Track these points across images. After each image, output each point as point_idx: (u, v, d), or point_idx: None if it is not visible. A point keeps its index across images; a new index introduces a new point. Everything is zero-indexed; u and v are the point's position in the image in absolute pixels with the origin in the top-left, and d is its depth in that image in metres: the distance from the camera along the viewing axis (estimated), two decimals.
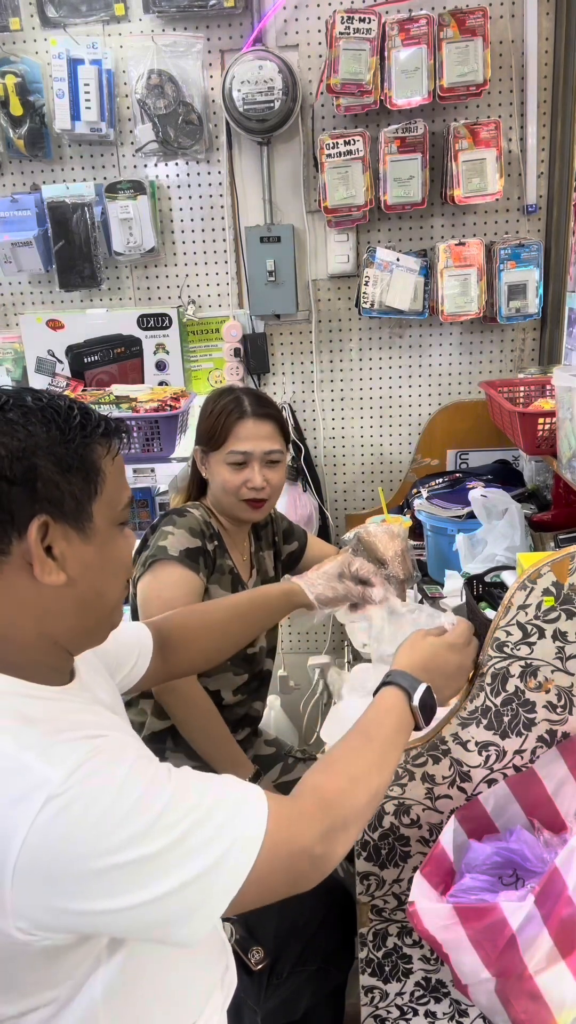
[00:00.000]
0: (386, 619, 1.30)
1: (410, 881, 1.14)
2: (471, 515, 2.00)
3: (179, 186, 2.38)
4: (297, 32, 2.24)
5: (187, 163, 2.36)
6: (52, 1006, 0.83)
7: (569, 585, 1.05)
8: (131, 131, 2.31)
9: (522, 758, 1.14)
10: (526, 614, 1.07)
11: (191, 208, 2.40)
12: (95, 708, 0.90)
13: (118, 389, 2.35)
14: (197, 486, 1.78)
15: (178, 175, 2.37)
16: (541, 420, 1.80)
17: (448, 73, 2.10)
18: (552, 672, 1.09)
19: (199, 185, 2.38)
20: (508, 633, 1.08)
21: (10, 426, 0.80)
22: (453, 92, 2.12)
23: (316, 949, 1.48)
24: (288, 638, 2.74)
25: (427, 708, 1.02)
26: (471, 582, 1.70)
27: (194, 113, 2.26)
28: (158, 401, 2.24)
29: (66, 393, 2.33)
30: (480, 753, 1.14)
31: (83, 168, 2.37)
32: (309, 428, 2.56)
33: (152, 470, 2.34)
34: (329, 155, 2.20)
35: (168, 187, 2.38)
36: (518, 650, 1.08)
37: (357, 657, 1.90)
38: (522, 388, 2.15)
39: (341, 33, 2.07)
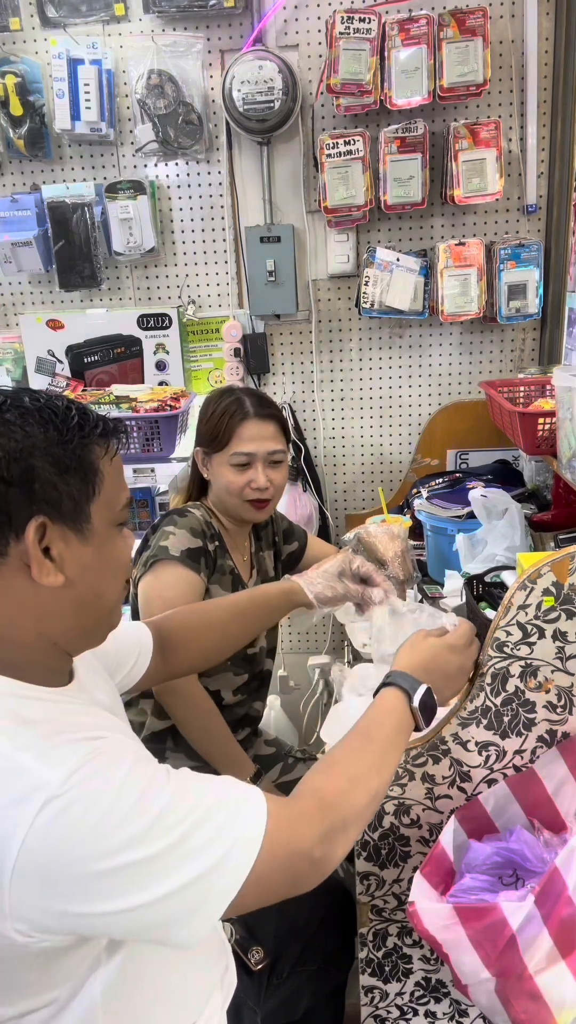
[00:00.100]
0: (387, 619, 1.30)
1: (410, 881, 1.14)
2: (471, 515, 2.00)
3: (179, 186, 2.38)
4: (297, 32, 2.24)
5: (187, 163, 2.36)
6: (52, 1007, 0.83)
7: (569, 585, 1.05)
8: (131, 131, 2.31)
9: (522, 758, 1.14)
10: (526, 614, 1.07)
11: (191, 208, 2.40)
12: (94, 709, 0.90)
13: (118, 389, 2.35)
14: (197, 486, 1.78)
15: (178, 175, 2.37)
16: (541, 420, 1.80)
17: (448, 73, 2.10)
18: (552, 672, 1.09)
19: (199, 185, 2.38)
20: (508, 633, 1.08)
21: (7, 427, 0.79)
22: (453, 92, 2.12)
23: (316, 949, 1.48)
24: (288, 638, 2.74)
25: (427, 709, 1.01)
26: (471, 582, 1.70)
27: (194, 113, 2.26)
28: (158, 401, 2.24)
29: (66, 393, 2.34)
30: (480, 753, 1.14)
31: (83, 168, 2.37)
32: (309, 428, 2.56)
33: (152, 470, 2.34)
34: (329, 155, 2.20)
35: (168, 187, 2.38)
36: (518, 650, 1.08)
37: (357, 657, 1.90)
38: (522, 388, 2.15)
39: (341, 33, 2.07)
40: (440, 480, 2.31)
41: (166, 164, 2.36)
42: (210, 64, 2.26)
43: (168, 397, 2.27)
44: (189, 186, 2.38)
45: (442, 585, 2.00)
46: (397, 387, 2.52)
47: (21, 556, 0.80)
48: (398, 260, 2.29)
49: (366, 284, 2.32)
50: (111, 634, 0.94)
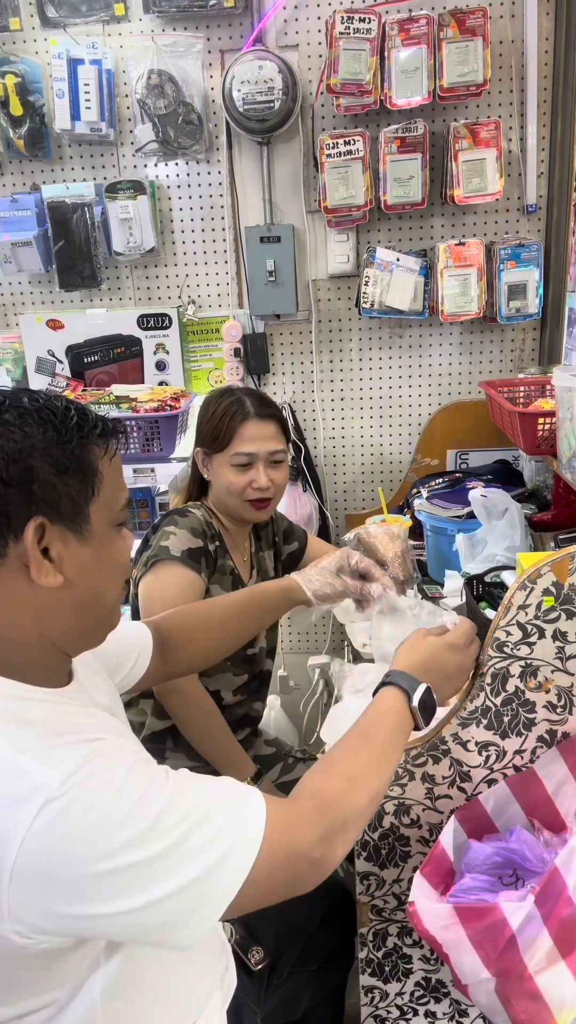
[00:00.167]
0: (387, 616, 1.29)
1: (410, 881, 1.14)
2: (471, 515, 2.00)
3: (179, 186, 2.38)
4: (297, 32, 2.24)
5: (187, 163, 2.36)
6: (51, 1008, 0.83)
7: (569, 585, 1.05)
8: (131, 131, 2.31)
9: (522, 758, 1.14)
10: (526, 614, 1.07)
11: (191, 208, 2.40)
12: (93, 710, 0.90)
13: (118, 389, 2.35)
14: (197, 486, 1.78)
15: (178, 175, 2.37)
16: (541, 420, 1.80)
17: (448, 73, 2.10)
18: (552, 672, 1.09)
19: (199, 185, 2.38)
20: (508, 633, 1.08)
21: (6, 427, 0.79)
22: (453, 92, 2.12)
23: (316, 949, 1.48)
24: (288, 638, 2.74)
25: (427, 708, 1.01)
26: (471, 582, 1.70)
27: (194, 113, 2.26)
28: (158, 401, 2.24)
29: (66, 393, 2.34)
30: (480, 753, 1.14)
31: (83, 168, 2.37)
32: (309, 428, 2.56)
33: (152, 470, 2.34)
34: (329, 155, 2.20)
35: (168, 187, 2.38)
36: (518, 650, 1.08)
37: (357, 657, 1.90)
38: (522, 388, 2.15)
39: (341, 33, 2.07)
40: (440, 480, 2.31)
41: (166, 164, 2.36)
42: (210, 64, 2.26)
43: (168, 397, 2.27)
44: (189, 186, 2.38)
45: (442, 585, 2.00)
46: (397, 387, 2.52)
47: (20, 557, 0.80)
48: (398, 260, 2.30)
49: (366, 284, 2.32)
50: (111, 634, 0.94)
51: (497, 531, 1.87)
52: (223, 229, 2.41)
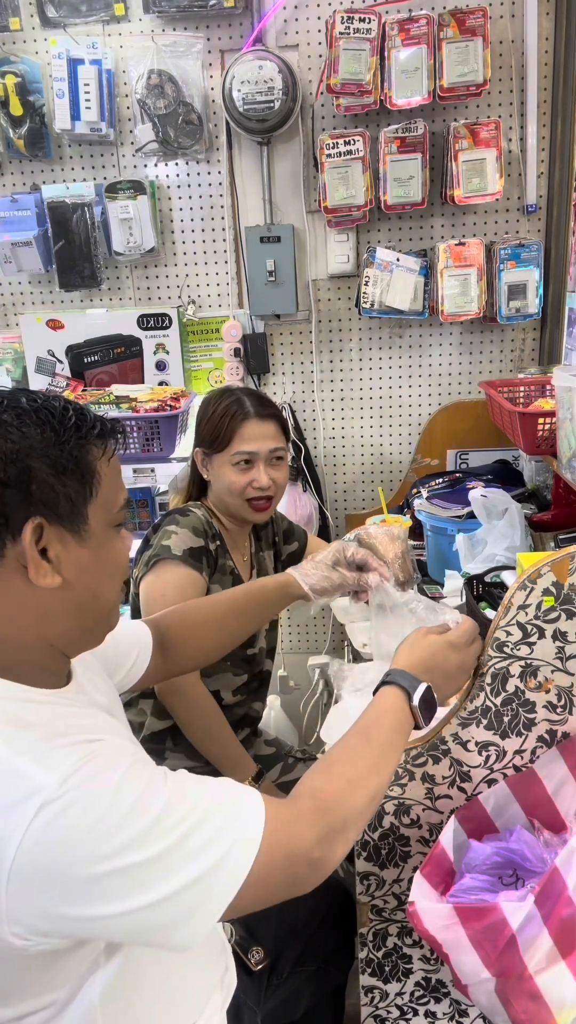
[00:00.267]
0: (386, 612, 1.28)
1: (410, 881, 1.14)
2: (471, 515, 2.00)
3: (179, 186, 2.38)
4: (297, 32, 2.24)
5: (187, 163, 2.36)
6: (51, 1009, 0.82)
7: (569, 585, 1.05)
8: (131, 131, 2.31)
9: (522, 758, 1.14)
10: (526, 614, 1.07)
11: (191, 208, 2.40)
12: (91, 711, 0.90)
13: (118, 389, 2.35)
14: (197, 487, 1.78)
15: (178, 175, 2.37)
16: (541, 420, 1.80)
17: (448, 73, 2.10)
18: (552, 672, 1.09)
19: (199, 185, 2.38)
20: (508, 633, 1.08)
21: (4, 428, 0.79)
22: (453, 92, 2.12)
23: (316, 949, 1.48)
24: (288, 638, 2.74)
25: (428, 708, 1.01)
26: (471, 582, 1.70)
27: (194, 113, 2.26)
28: (158, 401, 2.24)
29: (65, 393, 2.34)
30: (480, 753, 1.14)
31: (83, 168, 2.37)
32: (309, 428, 2.56)
33: (152, 470, 2.34)
34: (329, 155, 2.20)
35: (168, 187, 2.38)
36: (518, 650, 1.08)
37: (357, 657, 1.90)
38: (522, 388, 2.15)
39: (341, 33, 2.07)
40: (440, 480, 2.31)
41: (166, 164, 2.36)
42: (210, 64, 2.26)
43: (168, 397, 2.27)
44: (189, 186, 2.38)
45: (442, 585, 2.00)
46: (397, 387, 2.52)
47: (18, 558, 0.80)
48: (398, 260, 2.30)
49: (366, 284, 2.32)
50: (110, 634, 0.94)
51: (497, 531, 1.87)
52: (223, 229, 2.41)
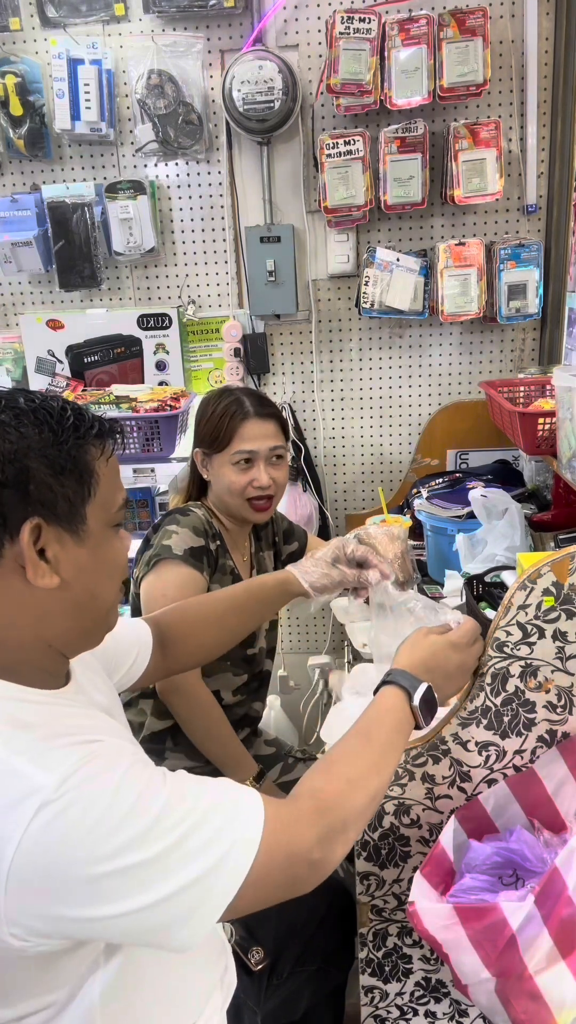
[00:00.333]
0: (386, 610, 1.27)
1: (410, 881, 1.14)
2: (471, 515, 2.00)
3: (179, 186, 2.38)
4: (297, 32, 2.24)
5: (187, 163, 2.36)
6: (50, 1009, 0.82)
7: (569, 585, 1.05)
8: (131, 131, 2.31)
9: (522, 758, 1.14)
10: (526, 614, 1.07)
11: (191, 208, 2.40)
12: (90, 712, 0.90)
13: (118, 389, 2.35)
14: (196, 487, 1.78)
15: (178, 175, 2.37)
16: (541, 420, 1.80)
17: (448, 73, 2.10)
18: (552, 672, 1.09)
19: (199, 185, 2.38)
20: (508, 633, 1.08)
21: (2, 428, 0.79)
22: (453, 92, 2.12)
23: (316, 949, 1.48)
24: (288, 638, 2.74)
25: (428, 708, 1.01)
26: (471, 582, 1.70)
27: (194, 113, 2.26)
28: (158, 401, 2.24)
29: (65, 393, 2.34)
30: (480, 753, 1.14)
31: (83, 168, 2.37)
32: (309, 428, 2.56)
33: (152, 470, 2.34)
34: (329, 155, 2.20)
35: (168, 187, 2.38)
36: (518, 650, 1.08)
37: (357, 657, 1.90)
38: (522, 388, 2.15)
39: (341, 33, 2.07)
40: (440, 480, 2.31)
41: (166, 164, 2.36)
42: (210, 64, 2.26)
43: (168, 397, 2.27)
44: (189, 186, 2.38)
45: (442, 585, 2.00)
46: (397, 387, 2.52)
47: (16, 558, 0.79)
48: (398, 260, 2.30)
49: (366, 284, 2.32)
50: (109, 633, 0.94)
51: (497, 531, 1.87)
52: (223, 229, 2.41)
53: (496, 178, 2.19)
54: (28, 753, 0.74)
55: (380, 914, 1.24)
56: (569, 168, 2.23)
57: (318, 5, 2.22)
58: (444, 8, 2.13)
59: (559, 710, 1.11)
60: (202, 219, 2.41)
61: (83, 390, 2.42)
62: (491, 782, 1.15)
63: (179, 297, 2.48)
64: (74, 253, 2.37)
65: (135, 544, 1.65)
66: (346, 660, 1.99)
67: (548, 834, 1.09)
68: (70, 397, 2.31)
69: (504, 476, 2.31)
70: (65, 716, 0.84)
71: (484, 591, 1.69)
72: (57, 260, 2.38)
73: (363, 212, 2.26)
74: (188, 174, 2.37)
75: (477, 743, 1.13)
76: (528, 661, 1.09)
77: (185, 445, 2.27)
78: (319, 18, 2.21)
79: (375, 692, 1.02)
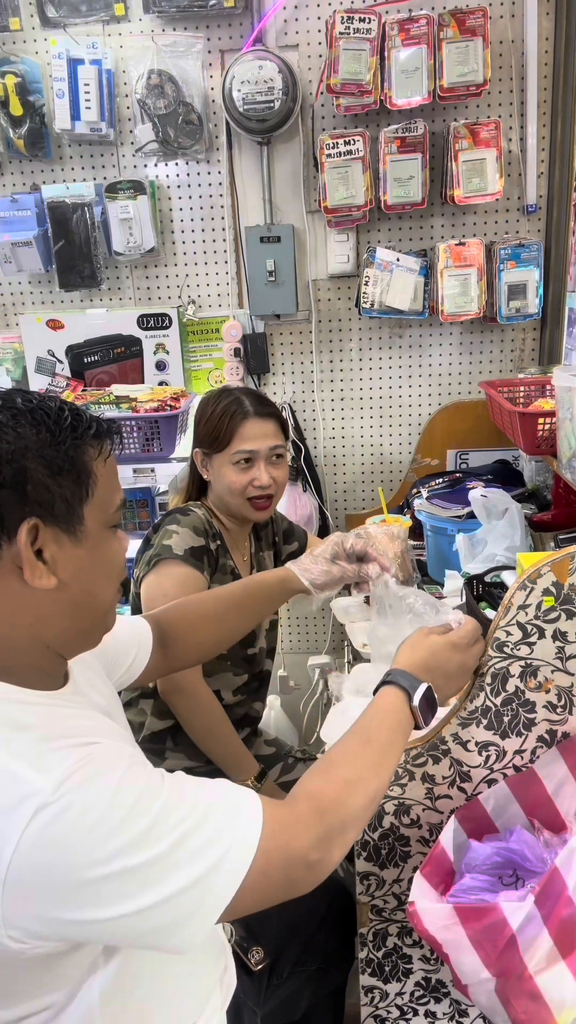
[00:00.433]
0: (385, 608, 1.26)
1: (410, 881, 1.14)
2: (471, 515, 2.00)
3: (179, 186, 2.38)
4: (297, 32, 2.24)
5: (187, 163, 2.36)
6: (49, 1011, 0.82)
7: (569, 585, 1.05)
8: (131, 131, 2.31)
9: (522, 758, 1.14)
10: (526, 614, 1.07)
11: (191, 208, 2.40)
12: (89, 713, 0.89)
13: (118, 389, 2.35)
14: (196, 487, 1.78)
15: (178, 175, 2.37)
16: (541, 420, 1.80)
17: (448, 73, 2.10)
18: (552, 672, 1.09)
19: (199, 185, 2.38)
20: (508, 633, 1.08)
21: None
22: (453, 92, 2.12)
23: (316, 949, 1.48)
24: (288, 638, 2.74)
25: (428, 708, 1.00)
26: (471, 582, 1.70)
27: (194, 113, 2.26)
28: (158, 401, 2.24)
29: (65, 393, 2.34)
30: (480, 753, 1.14)
31: (83, 168, 2.37)
32: (309, 428, 2.56)
33: (152, 470, 2.34)
34: (329, 155, 2.20)
35: (168, 187, 2.38)
36: (518, 650, 1.08)
37: (357, 657, 1.90)
38: (522, 388, 2.15)
39: (341, 33, 2.07)
40: (440, 480, 2.31)
41: (166, 164, 2.36)
42: (210, 64, 2.26)
43: (168, 397, 2.27)
44: (189, 186, 2.38)
45: (442, 585, 2.00)
46: (397, 387, 2.52)
47: (13, 559, 0.79)
48: (398, 260, 2.29)
49: (366, 284, 2.32)
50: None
51: (497, 531, 1.87)
52: (223, 229, 2.41)
53: (496, 178, 2.19)
54: (26, 755, 0.74)
55: (380, 914, 1.24)
56: (569, 168, 2.23)
57: (318, 5, 2.22)
58: (444, 8, 2.13)
59: (559, 710, 1.11)
60: (202, 219, 2.41)
61: (83, 390, 2.42)
62: (491, 782, 1.15)
63: (179, 297, 2.48)
64: (74, 253, 2.37)
65: (135, 544, 1.65)
66: (346, 660, 1.99)
67: (548, 834, 1.09)
68: (70, 397, 2.31)
69: (504, 476, 2.31)
70: (63, 717, 0.83)
71: (484, 591, 1.69)
72: (57, 260, 2.38)
73: (363, 212, 2.26)
74: (188, 174, 2.37)
75: (477, 743, 1.13)
76: (528, 661, 1.09)
77: (185, 445, 2.27)
78: (319, 18, 2.21)
79: (375, 692, 1.01)
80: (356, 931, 1.27)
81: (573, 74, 2.15)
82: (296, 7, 2.23)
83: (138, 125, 2.28)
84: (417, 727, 1.00)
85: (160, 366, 2.50)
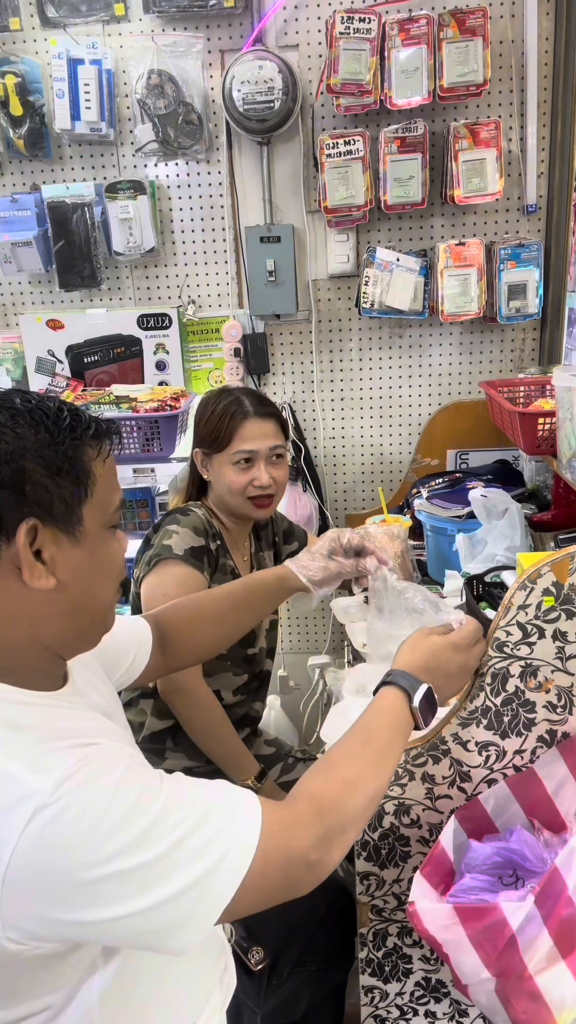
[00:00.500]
0: (384, 605, 1.26)
1: (410, 881, 1.14)
2: (471, 515, 2.00)
3: (179, 186, 2.38)
4: (297, 32, 2.24)
5: (187, 163, 2.36)
6: (48, 1011, 0.82)
7: (569, 585, 1.05)
8: (131, 131, 2.31)
9: (522, 758, 1.14)
10: (526, 614, 1.07)
11: (191, 208, 2.40)
12: (88, 714, 0.89)
13: (118, 389, 2.35)
14: (196, 487, 1.78)
15: (178, 175, 2.37)
16: (541, 420, 1.80)
17: (448, 73, 2.10)
18: (552, 672, 1.09)
19: (199, 185, 2.38)
20: (508, 633, 1.08)
21: None
22: (453, 92, 2.12)
23: (316, 949, 1.48)
24: (288, 638, 2.74)
25: (428, 709, 1.00)
26: (471, 582, 1.70)
27: (194, 113, 2.26)
28: (158, 401, 2.24)
29: (65, 394, 2.34)
30: (480, 753, 1.14)
31: (83, 168, 2.37)
32: (309, 428, 2.56)
33: (152, 470, 2.34)
34: (329, 155, 2.20)
35: (168, 187, 2.38)
36: (518, 650, 1.08)
37: (357, 657, 1.90)
38: (522, 388, 2.15)
39: (341, 33, 2.07)
40: (440, 480, 2.31)
41: (166, 164, 2.36)
42: (210, 64, 2.26)
43: (168, 397, 2.27)
44: (189, 186, 2.38)
45: (442, 585, 2.00)
46: (397, 387, 2.52)
47: (12, 559, 0.79)
48: (398, 260, 2.29)
49: (366, 284, 2.32)
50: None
51: (497, 531, 1.86)
52: (223, 229, 2.41)
53: (496, 178, 2.19)
54: (24, 756, 0.74)
55: (380, 914, 1.24)
56: (569, 168, 2.23)
57: (318, 5, 2.22)
58: (444, 8, 2.13)
59: (559, 710, 1.11)
60: (202, 219, 2.41)
61: (83, 390, 2.42)
62: (491, 782, 1.15)
63: (179, 297, 2.48)
64: (74, 253, 2.37)
65: (135, 544, 1.65)
66: (346, 660, 1.99)
67: (548, 834, 1.09)
68: (70, 397, 2.31)
69: (504, 476, 2.31)
70: (62, 718, 0.83)
71: (484, 591, 1.69)
72: (57, 260, 2.38)
73: (363, 212, 2.26)
74: (188, 174, 2.37)
75: (477, 743, 1.13)
76: (528, 661, 1.09)
77: (185, 445, 2.27)
78: (319, 18, 2.21)
79: (374, 692, 1.01)
80: (356, 931, 1.27)
81: (573, 74, 2.15)
82: (296, 7, 2.23)
83: (138, 125, 2.28)
84: (417, 728, 1.00)
85: (160, 366, 2.50)
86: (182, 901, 0.74)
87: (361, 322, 2.45)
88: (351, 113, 2.21)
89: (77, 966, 0.82)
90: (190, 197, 2.39)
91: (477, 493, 1.96)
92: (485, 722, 1.12)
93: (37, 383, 2.51)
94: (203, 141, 2.30)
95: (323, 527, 2.58)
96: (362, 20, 2.07)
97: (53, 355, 2.50)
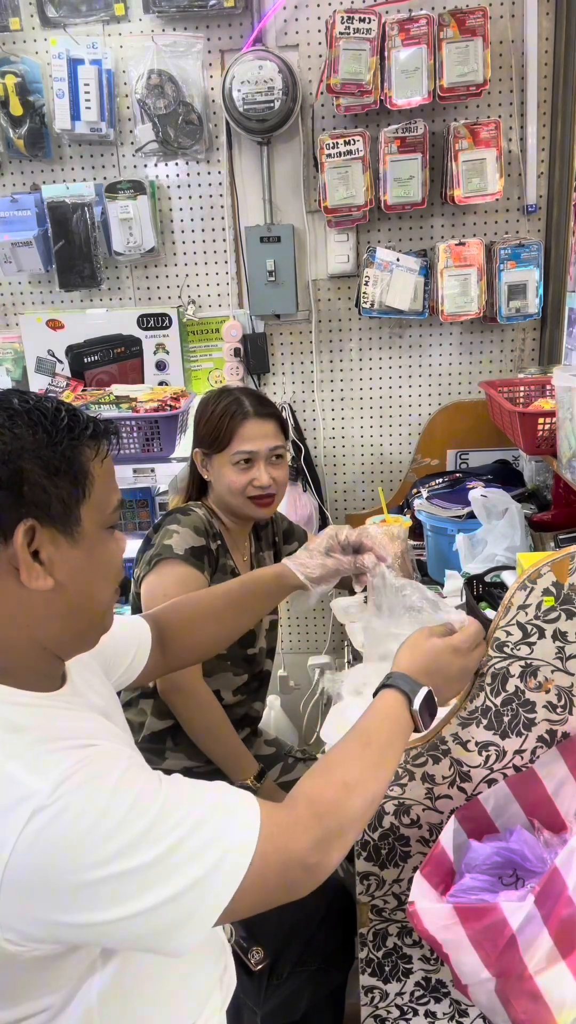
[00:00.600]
0: (383, 593, 1.25)
1: (410, 881, 1.14)
2: (471, 515, 1.99)
3: (179, 186, 2.38)
4: (297, 32, 2.24)
5: (187, 163, 2.36)
6: (48, 1012, 0.82)
7: (569, 585, 1.05)
8: (131, 131, 2.31)
9: (522, 758, 1.14)
10: (526, 614, 1.07)
11: (191, 208, 2.40)
12: (86, 715, 0.89)
13: (118, 389, 2.35)
14: (196, 487, 1.78)
15: (178, 175, 2.37)
16: (541, 420, 1.80)
17: (448, 73, 2.10)
18: (552, 672, 1.09)
19: (199, 185, 2.38)
20: (508, 633, 1.08)
21: None
22: (453, 92, 2.12)
23: (316, 949, 1.48)
24: (288, 638, 2.74)
25: (428, 711, 1.00)
26: (471, 582, 1.70)
27: (194, 113, 2.26)
28: (158, 401, 2.24)
29: (65, 394, 2.34)
30: (480, 753, 1.14)
31: (83, 168, 2.37)
32: (309, 428, 2.56)
33: (152, 470, 2.34)
34: (329, 155, 2.20)
35: (168, 187, 2.38)
36: (518, 650, 1.08)
37: (357, 657, 1.90)
38: (522, 388, 2.15)
39: (341, 33, 2.07)
40: (440, 480, 2.31)
41: (166, 164, 2.36)
42: (210, 64, 2.26)
43: (168, 397, 2.27)
44: (189, 186, 2.38)
45: (442, 585, 2.00)
46: (397, 387, 2.52)
47: (10, 560, 0.79)
48: (398, 260, 2.29)
49: (366, 284, 2.32)
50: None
51: (497, 531, 1.86)
52: (223, 229, 2.41)
53: (496, 178, 2.19)
54: (22, 758, 0.74)
55: (380, 914, 1.24)
56: (569, 168, 2.23)
57: (318, 5, 2.22)
58: (444, 8, 2.13)
59: (559, 710, 1.11)
60: (202, 219, 2.41)
61: (83, 390, 2.42)
62: (491, 782, 1.15)
63: (179, 297, 2.48)
64: (74, 253, 2.37)
65: (135, 544, 1.65)
66: (346, 660, 1.99)
67: (548, 834, 1.09)
68: (70, 397, 2.31)
69: (504, 476, 2.31)
70: (60, 719, 0.83)
71: (484, 591, 1.69)
72: (57, 260, 2.38)
73: (363, 212, 2.26)
74: (188, 174, 2.37)
75: (477, 743, 1.13)
76: (528, 661, 1.09)
77: (185, 445, 2.27)
78: (319, 18, 2.21)
79: (374, 695, 1.01)
80: (356, 931, 1.27)
81: (573, 74, 2.15)
82: (296, 7, 2.23)
83: (138, 125, 2.28)
84: (416, 730, 1.00)
85: (160, 366, 2.50)
86: (181, 902, 0.74)
87: (361, 322, 2.45)
88: (351, 113, 2.21)
89: (76, 967, 0.82)
90: (190, 197, 2.39)
91: (477, 493, 1.96)
92: (485, 722, 1.12)
93: (37, 383, 2.51)
94: (203, 141, 2.30)
95: (323, 527, 2.57)
96: (362, 20, 2.07)
97: (53, 355, 2.50)
